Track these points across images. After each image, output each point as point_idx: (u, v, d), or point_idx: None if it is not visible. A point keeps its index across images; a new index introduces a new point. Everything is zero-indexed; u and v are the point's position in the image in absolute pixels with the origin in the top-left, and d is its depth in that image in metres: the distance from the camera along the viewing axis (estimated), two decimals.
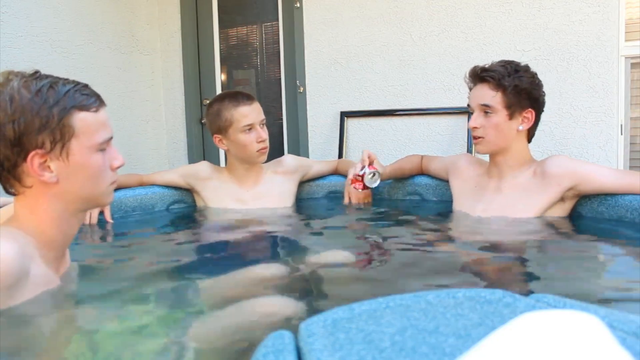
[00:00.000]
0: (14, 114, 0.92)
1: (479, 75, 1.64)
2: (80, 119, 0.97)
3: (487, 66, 1.64)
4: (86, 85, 1.02)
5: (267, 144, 1.98)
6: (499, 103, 1.60)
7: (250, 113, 1.93)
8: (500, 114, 1.60)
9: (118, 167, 1.07)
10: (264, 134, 1.96)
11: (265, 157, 2.01)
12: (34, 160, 0.94)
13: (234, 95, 1.98)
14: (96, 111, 1.00)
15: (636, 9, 2.54)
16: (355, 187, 1.98)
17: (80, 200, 1.03)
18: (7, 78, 0.95)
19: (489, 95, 1.60)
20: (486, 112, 1.62)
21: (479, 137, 1.65)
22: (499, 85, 1.59)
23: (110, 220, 1.88)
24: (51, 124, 0.93)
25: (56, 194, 0.99)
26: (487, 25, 2.71)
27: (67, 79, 1.00)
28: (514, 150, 1.66)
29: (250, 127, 1.93)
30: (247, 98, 1.96)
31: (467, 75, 1.69)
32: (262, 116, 1.98)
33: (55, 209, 1.00)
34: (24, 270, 0.91)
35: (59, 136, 0.95)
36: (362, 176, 1.95)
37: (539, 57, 2.59)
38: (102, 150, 1.02)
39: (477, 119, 1.63)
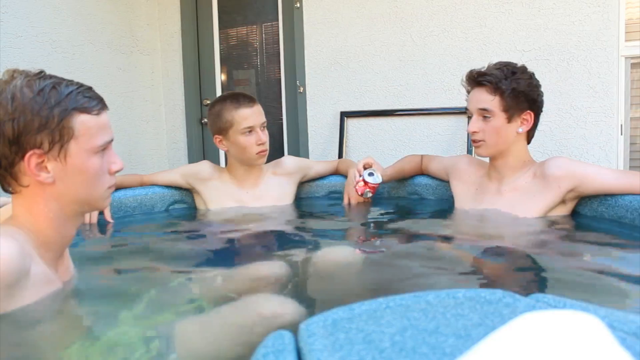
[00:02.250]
0: (14, 112, 0.91)
1: (475, 80, 1.64)
2: (81, 122, 0.96)
3: (483, 70, 1.64)
4: (90, 88, 1.01)
5: (266, 146, 1.98)
6: (497, 107, 1.60)
7: (250, 115, 1.93)
8: (499, 118, 1.60)
9: (116, 171, 1.06)
10: (264, 136, 1.96)
11: (264, 160, 2.01)
12: (31, 159, 0.94)
13: (235, 97, 1.97)
14: (97, 114, 0.99)
15: (636, 9, 2.54)
16: (364, 195, 1.94)
17: (77, 203, 1.02)
18: (12, 76, 0.95)
19: (487, 99, 1.60)
20: (485, 116, 1.62)
21: (479, 141, 1.65)
22: (496, 89, 1.59)
23: (111, 220, 1.88)
24: (51, 124, 0.93)
25: (52, 194, 0.99)
26: (487, 25, 2.71)
27: (71, 81, 0.99)
28: (514, 153, 1.66)
29: (250, 130, 1.93)
30: (249, 100, 1.96)
31: (464, 79, 1.69)
32: (263, 119, 1.97)
33: (52, 210, 1.00)
34: (25, 269, 0.91)
35: (58, 137, 0.94)
36: (363, 180, 1.94)
37: (539, 57, 2.59)
38: (101, 153, 1.01)
39: (476, 123, 1.64)
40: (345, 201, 2.07)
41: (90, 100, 0.99)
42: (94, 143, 0.99)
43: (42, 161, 0.95)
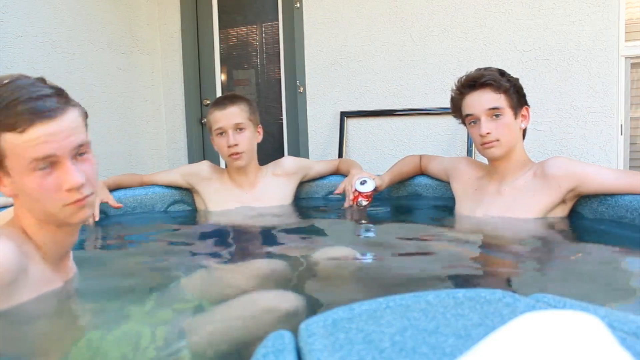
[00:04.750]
0: None
1: (477, 82, 1.63)
2: (5, 140, 0.91)
3: (477, 74, 1.65)
4: (15, 101, 0.90)
5: (238, 149, 1.93)
6: (505, 104, 1.62)
7: (221, 118, 1.93)
8: (509, 114, 1.62)
9: (71, 189, 0.94)
10: (233, 139, 1.91)
11: (240, 163, 1.97)
12: None
13: (218, 99, 2.02)
14: (22, 131, 0.90)
15: (636, 9, 2.54)
16: (358, 204, 1.93)
17: (44, 217, 0.98)
18: None
19: (495, 97, 1.61)
20: (496, 115, 1.62)
21: (493, 141, 1.62)
22: (499, 86, 1.61)
23: (117, 205, 1.87)
24: None
25: (24, 205, 0.98)
26: (487, 25, 2.71)
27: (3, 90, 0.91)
28: (517, 151, 1.67)
29: (221, 132, 1.93)
30: (225, 103, 1.95)
31: (461, 85, 1.68)
32: (237, 120, 1.92)
33: (33, 219, 0.99)
34: (22, 268, 0.92)
35: None
36: (355, 189, 1.92)
37: (539, 57, 2.59)
38: (43, 171, 0.92)
39: (487, 124, 1.62)
40: (346, 204, 2.06)
41: (14, 116, 0.90)
42: (24, 161, 0.91)
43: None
